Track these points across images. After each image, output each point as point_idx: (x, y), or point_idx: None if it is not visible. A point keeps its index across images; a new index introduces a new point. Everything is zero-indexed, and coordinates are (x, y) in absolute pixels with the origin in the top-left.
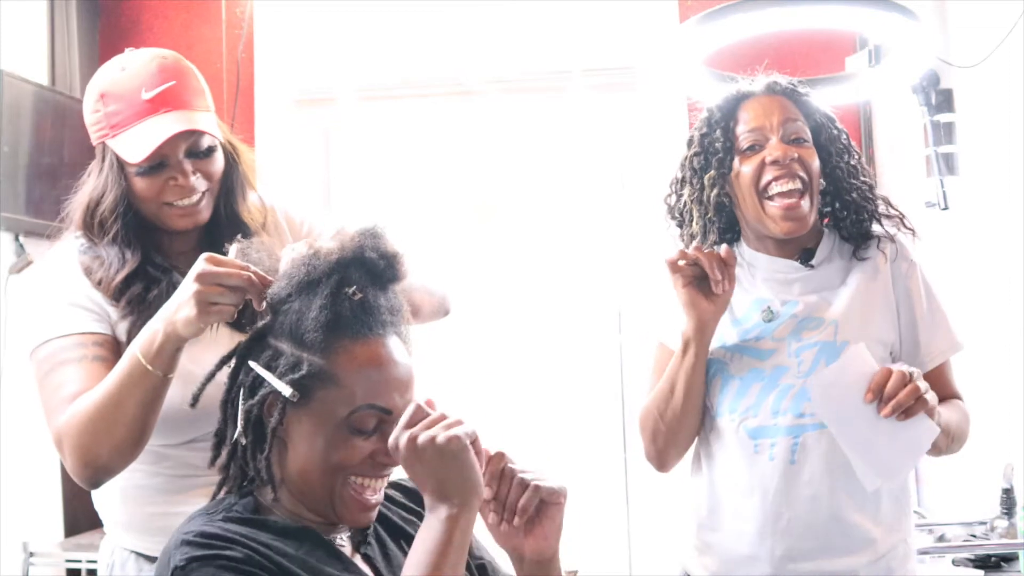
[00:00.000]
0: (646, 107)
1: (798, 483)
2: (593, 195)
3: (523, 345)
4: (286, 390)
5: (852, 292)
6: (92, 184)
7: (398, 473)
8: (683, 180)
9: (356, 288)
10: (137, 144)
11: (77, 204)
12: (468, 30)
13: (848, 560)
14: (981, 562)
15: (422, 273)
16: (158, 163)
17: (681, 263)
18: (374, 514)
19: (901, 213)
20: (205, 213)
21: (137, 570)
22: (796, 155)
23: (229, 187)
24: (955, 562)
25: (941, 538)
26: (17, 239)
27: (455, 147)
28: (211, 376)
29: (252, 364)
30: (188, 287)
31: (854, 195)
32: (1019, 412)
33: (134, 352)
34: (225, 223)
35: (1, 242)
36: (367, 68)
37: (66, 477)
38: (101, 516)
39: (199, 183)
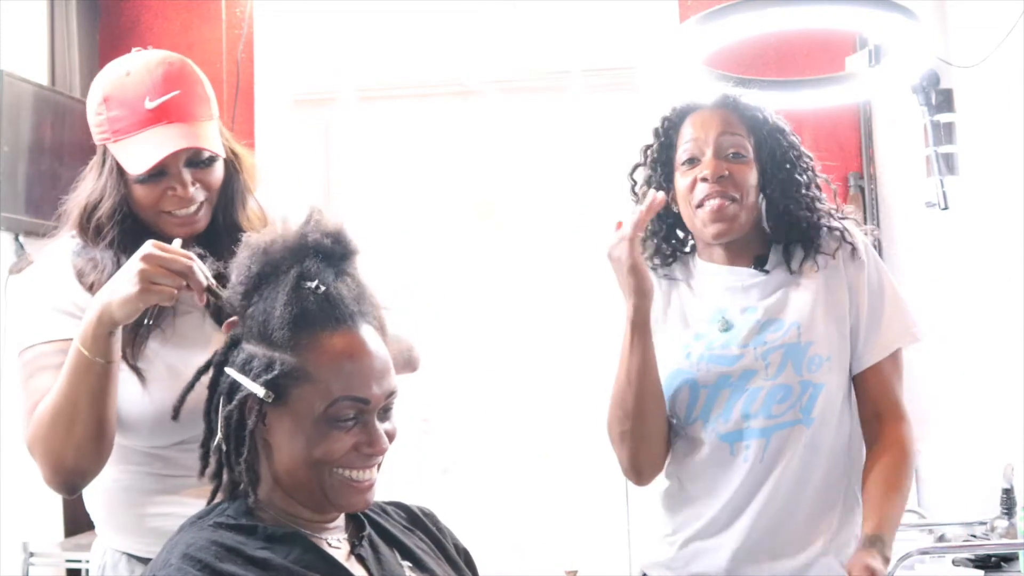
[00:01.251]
0: (646, 107)
1: (764, 481)
2: (593, 195)
3: (523, 345)
4: (260, 391)
5: (811, 293)
6: (91, 186)
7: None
8: (631, 189)
9: (318, 282)
10: (138, 155)
11: (74, 204)
12: (468, 30)
13: (803, 555)
14: (981, 562)
15: (393, 324)
16: (158, 172)
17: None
18: (370, 496)
19: (844, 227)
20: (203, 222)
21: (129, 572)
22: (726, 172)
23: (229, 196)
24: (955, 562)
25: (941, 538)
26: (17, 239)
27: (455, 147)
28: (190, 387)
29: (227, 370)
30: (132, 266)
31: (795, 211)
32: (1019, 412)
33: (76, 345)
34: (223, 231)
35: (1, 242)
36: (367, 68)
37: None
38: (92, 518)
39: (198, 194)
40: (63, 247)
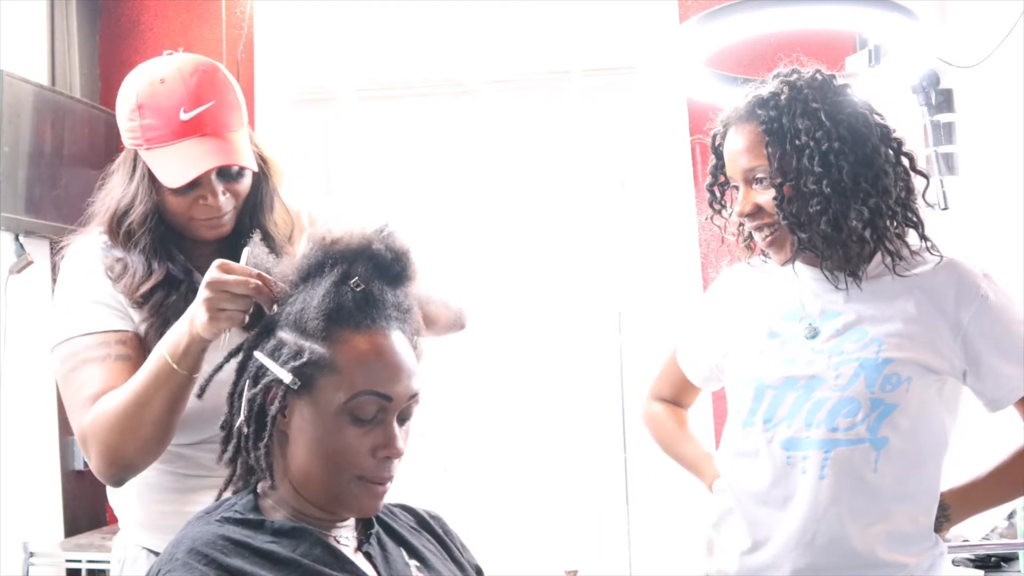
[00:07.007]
0: (646, 107)
1: (825, 499)
2: (593, 195)
3: (523, 346)
4: (286, 376)
5: (910, 314)
6: (121, 191)
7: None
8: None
9: (359, 279)
10: (173, 167)
11: (104, 208)
12: (468, 29)
13: None
14: (981, 562)
15: (441, 285)
16: (191, 183)
17: None
18: (381, 502)
19: (943, 255)
20: (229, 226)
21: (148, 566)
22: (749, 209)
23: (257, 202)
24: (955, 562)
25: None
26: (17, 239)
27: (454, 147)
28: (218, 368)
29: (256, 354)
30: (200, 293)
31: (819, 205)
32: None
33: (161, 353)
34: (248, 234)
35: (1, 242)
36: (366, 67)
37: (66, 477)
38: (116, 513)
39: (227, 203)
40: (92, 243)
